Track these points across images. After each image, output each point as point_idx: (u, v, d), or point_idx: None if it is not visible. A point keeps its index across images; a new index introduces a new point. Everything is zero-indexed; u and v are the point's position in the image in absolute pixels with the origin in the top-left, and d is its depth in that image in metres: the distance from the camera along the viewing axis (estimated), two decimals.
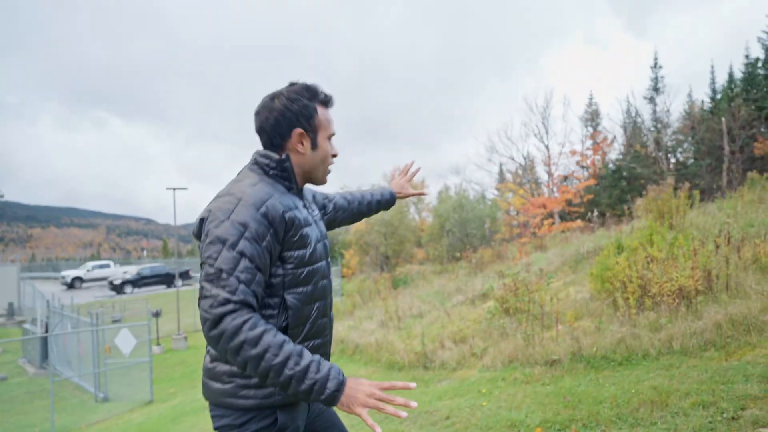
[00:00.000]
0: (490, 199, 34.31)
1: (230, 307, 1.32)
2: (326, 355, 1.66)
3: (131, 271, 35.81)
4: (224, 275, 1.34)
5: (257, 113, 1.60)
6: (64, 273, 38.46)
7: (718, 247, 6.03)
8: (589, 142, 33.22)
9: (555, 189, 32.88)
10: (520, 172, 35.56)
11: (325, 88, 1.62)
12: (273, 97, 1.58)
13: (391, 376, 7.03)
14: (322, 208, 1.97)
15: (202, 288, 1.38)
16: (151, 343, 13.81)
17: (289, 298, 1.49)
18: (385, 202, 2.21)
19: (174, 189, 20.05)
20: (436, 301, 10.97)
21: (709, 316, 4.26)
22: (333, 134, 1.65)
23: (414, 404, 1.40)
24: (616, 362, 4.41)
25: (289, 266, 1.49)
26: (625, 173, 29.31)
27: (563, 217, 32.06)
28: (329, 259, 1.72)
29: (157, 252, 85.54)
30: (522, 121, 49.26)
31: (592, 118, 33.55)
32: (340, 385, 1.34)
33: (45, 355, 17.31)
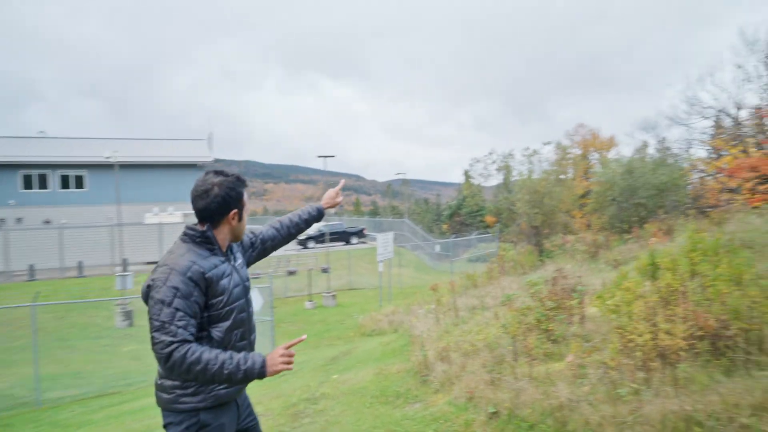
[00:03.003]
0: (688, 160, 28.91)
1: (174, 346, 1.91)
2: None
3: (315, 227, 39.73)
4: (166, 325, 1.93)
5: (199, 197, 2.16)
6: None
7: None
8: None
9: None
10: (734, 126, 29.14)
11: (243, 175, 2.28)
12: (212, 185, 2.15)
13: (404, 380, 6.47)
14: (250, 246, 2.52)
15: (153, 337, 1.96)
16: (273, 302, 15.08)
17: (213, 331, 2.10)
18: (313, 218, 2.75)
19: (325, 157, 21.28)
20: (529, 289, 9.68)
21: (664, 401, 2.78)
22: (247, 210, 2.27)
23: (304, 336, 2.22)
24: None
25: (212, 309, 2.08)
26: None
27: None
28: (248, 297, 2.29)
29: (361, 206, 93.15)
30: (736, 63, 38.59)
31: None
32: (263, 362, 1.99)
33: None
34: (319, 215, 2.78)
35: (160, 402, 2.12)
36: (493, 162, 23.50)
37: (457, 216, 45.82)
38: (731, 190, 27.27)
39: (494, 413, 3.82)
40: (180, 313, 1.94)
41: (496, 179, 27.29)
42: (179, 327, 1.92)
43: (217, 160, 43.31)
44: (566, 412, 3.24)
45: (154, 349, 1.94)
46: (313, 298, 21.68)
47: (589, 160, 39.07)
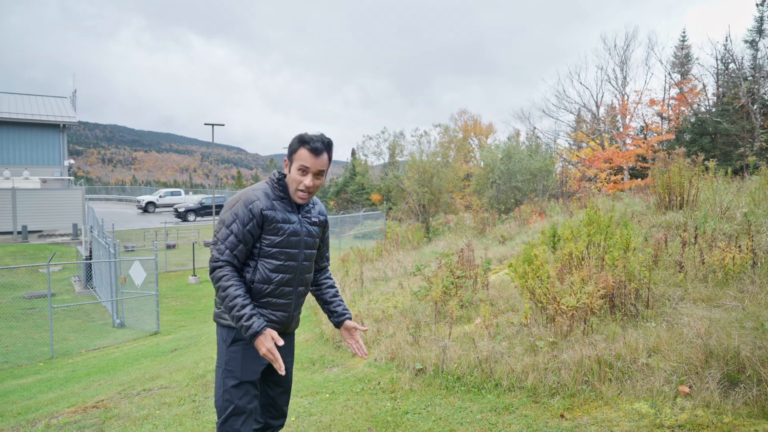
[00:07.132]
0: (555, 149, 31.87)
1: (219, 263, 2.22)
2: (288, 314, 2.38)
3: (196, 200, 37.67)
4: (219, 243, 2.24)
5: None
6: (139, 198, 41.55)
7: (685, 244, 4.78)
8: (673, 91, 29.40)
9: (627, 142, 29.84)
10: (593, 121, 32.67)
11: (317, 138, 2.30)
12: None
13: (314, 347, 6.55)
14: (321, 234, 2.59)
15: (211, 248, 2.29)
16: (158, 276, 14.24)
17: (260, 263, 2.31)
18: (332, 315, 2.64)
19: (213, 125, 20.19)
20: (423, 263, 10.18)
21: (580, 348, 3.26)
22: (304, 167, 2.28)
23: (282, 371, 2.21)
24: (467, 387, 3.57)
25: (264, 243, 2.29)
26: (710, 128, 25.78)
27: (636, 174, 29.17)
28: (305, 252, 2.39)
29: (243, 181, 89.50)
30: (598, 64, 43.07)
31: (682, 63, 29.48)
32: (256, 334, 2.13)
33: (89, 276, 18.60)
34: (336, 324, 2.69)
35: (214, 315, 2.40)
36: (386, 140, 23.96)
37: (343, 193, 46.15)
38: (589, 179, 30.70)
39: (421, 369, 4.08)
40: (232, 236, 2.22)
41: (384, 158, 27.91)
42: (227, 248, 2.21)
43: (80, 123, 39.01)
44: (491, 363, 3.58)
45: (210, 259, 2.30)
46: (197, 273, 20.71)
47: (470, 145, 41.41)
